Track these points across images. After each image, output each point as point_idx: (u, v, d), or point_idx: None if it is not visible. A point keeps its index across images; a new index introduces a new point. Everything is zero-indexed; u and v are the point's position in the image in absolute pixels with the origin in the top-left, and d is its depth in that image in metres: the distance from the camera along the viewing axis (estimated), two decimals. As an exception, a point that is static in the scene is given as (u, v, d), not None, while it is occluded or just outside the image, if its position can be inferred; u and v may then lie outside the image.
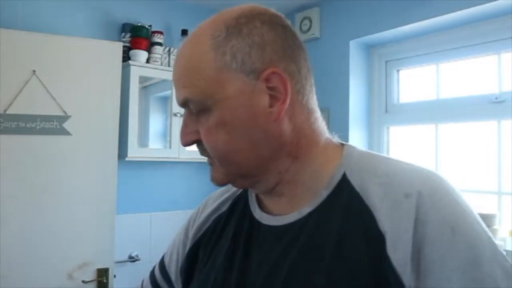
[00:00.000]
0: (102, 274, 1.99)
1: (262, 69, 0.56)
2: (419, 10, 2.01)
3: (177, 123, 2.35)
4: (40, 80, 1.90)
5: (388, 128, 2.38)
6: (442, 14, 1.93)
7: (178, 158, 2.36)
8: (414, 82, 2.31)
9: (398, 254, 0.50)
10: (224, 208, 0.72)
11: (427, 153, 2.17)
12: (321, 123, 0.63)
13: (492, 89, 1.95)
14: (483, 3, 1.79)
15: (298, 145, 0.60)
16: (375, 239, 0.52)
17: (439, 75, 2.18)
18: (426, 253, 0.50)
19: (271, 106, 0.57)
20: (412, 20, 2.04)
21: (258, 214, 0.65)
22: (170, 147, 2.34)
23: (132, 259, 2.36)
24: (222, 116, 0.57)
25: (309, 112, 0.61)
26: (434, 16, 1.96)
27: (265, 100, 0.57)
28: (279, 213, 0.62)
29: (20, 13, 2.08)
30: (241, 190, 0.72)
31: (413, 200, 0.52)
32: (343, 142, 0.65)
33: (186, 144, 0.61)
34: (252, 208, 0.67)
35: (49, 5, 2.16)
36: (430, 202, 0.52)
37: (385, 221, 0.52)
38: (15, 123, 1.85)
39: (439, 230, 0.51)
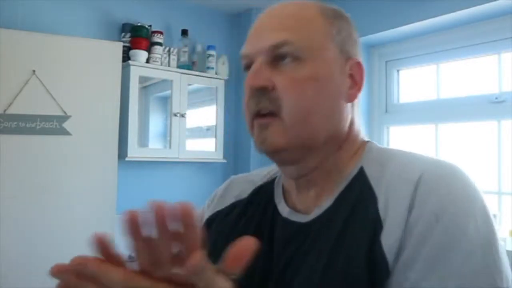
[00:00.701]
0: (102, 274, 1.99)
1: (352, 55, 0.63)
2: (419, 10, 2.01)
3: (177, 123, 2.35)
4: (40, 80, 1.90)
5: (388, 128, 2.38)
6: (442, 14, 1.93)
7: (178, 158, 2.36)
8: (414, 82, 2.32)
9: (389, 240, 0.50)
10: (244, 195, 0.72)
11: (427, 153, 2.17)
12: (360, 118, 0.66)
13: (492, 89, 1.95)
14: (483, 3, 1.79)
15: (348, 136, 0.62)
16: (374, 226, 0.52)
17: (439, 75, 2.18)
18: (408, 240, 0.50)
19: (350, 88, 0.62)
20: (412, 20, 2.04)
21: (283, 208, 0.65)
22: (170, 147, 2.34)
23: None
24: (316, 71, 0.59)
25: (358, 107, 0.65)
26: (434, 16, 1.96)
27: (347, 80, 0.62)
28: (304, 208, 0.62)
29: (20, 13, 2.08)
30: (265, 180, 0.71)
31: (411, 186, 0.52)
32: (368, 139, 0.66)
33: (254, 85, 0.58)
34: (277, 201, 0.66)
35: (49, 5, 2.16)
36: (427, 188, 0.51)
37: (386, 209, 0.52)
38: (15, 123, 1.85)
39: (424, 217, 0.50)
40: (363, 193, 0.57)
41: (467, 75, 2.09)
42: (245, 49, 0.63)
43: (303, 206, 0.62)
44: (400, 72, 2.37)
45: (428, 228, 0.49)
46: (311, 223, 0.59)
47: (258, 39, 0.61)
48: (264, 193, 0.69)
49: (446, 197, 0.51)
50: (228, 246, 0.50)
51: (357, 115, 0.65)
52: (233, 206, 0.71)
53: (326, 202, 0.60)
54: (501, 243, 0.51)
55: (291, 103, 0.57)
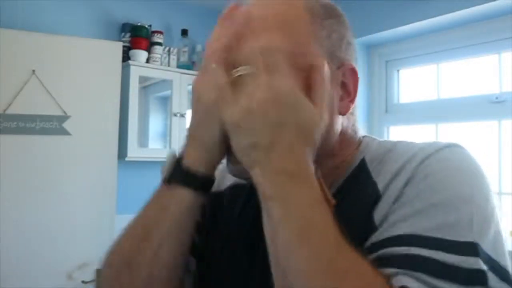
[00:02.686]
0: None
1: (345, 60, 0.56)
2: (419, 10, 2.01)
3: (177, 123, 2.35)
4: (39, 80, 1.90)
5: (388, 128, 2.38)
6: (442, 14, 1.93)
7: (178, 158, 2.36)
8: (414, 82, 2.32)
9: (381, 212, 0.50)
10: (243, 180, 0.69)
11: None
12: (357, 123, 0.62)
13: (492, 89, 1.95)
14: (483, 3, 1.79)
15: (340, 145, 0.58)
16: (372, 206, 0.51)
17: (439, 75, 2.18)
18: (397, 202, 0.49)
19: (341, 99, 0.56)
20: (412, 20, 2.04)
21: None
22: (170, 147, 2.34)
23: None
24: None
25: (353, 114, 0.60)
26: (434, 16, 1.96)
27: (338, 90, 0.56)
28: None
29: (20, 13, 2.08)
30: None
31: (414, 164, 0.51)
32: (365, 135, 0.63)
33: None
34: None
35: (49, 5, 2.16)
36: (427, 165, 0.50)
37: (386, 189, 0.51)
38: (15, 123, 1.85)
39: (414, 179, 0.49)
40: (363, 182, 0.55)
41: (467, 75, 2.09)
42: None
43: None
44: (400, 72, 2.37)
45: (415, 185, 0.49)
46: None
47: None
48: None
49: (438, 165, 0.50)
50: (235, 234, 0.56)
51: (352, 122, 0.60)
52: (233, 188, 0.69)
53: None
54: (499, 216, 0.50)
55: None
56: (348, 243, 0.44)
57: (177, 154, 0.58)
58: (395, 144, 0.58)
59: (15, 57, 1.87)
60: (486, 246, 0.45)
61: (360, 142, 0.61)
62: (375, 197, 0.52)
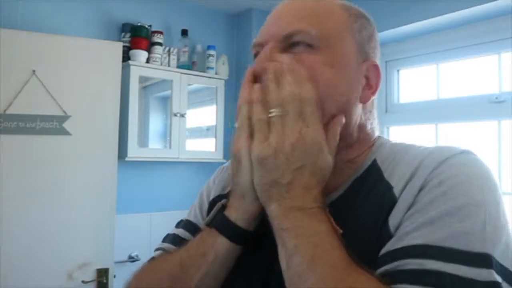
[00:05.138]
0: (102, 274, 1.99)
1: (370, 57, 0.62)
2: (419, 10, 2.01)
3: (177, 123, 2.35)
4: (40, 80, 1.90)
5: (388, 128, 2.38)
6: (442, 14, 1.93)
7: (178, 158, 2.36)
8: (414, 82, 2.31)
9: (397, 218, 0.51)
10: None
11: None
12: (376, 122, 0.66)
13: (492, 89, 1.95)
14: (483, 3, 1.79)
15: (358, 138, 0.62)
16: (386, 211, 0.52)
17: (439, 75, 2.18)
18: (412, 208, 0.50)
19: (363, 90, 0.61)
20: (412, 20, 2.04)
21: None
22: (170, 147, 2.34)
23: (132, 259, 2.36)
24: (331, 58, 0.57)
25: (373, 111, 0.65)
26: (434, 16, 1.96)
27: (362, 80, 0.61)
28: None
29: (20, 13, 2.08)
30: None
31: (428, 169, 0.52)
32: (380, 135, 0.66)
33: (257, 70, 0.57)
34: None
35: (49, 5, 2.16)
36: (441, 170, 0.51)
37: (401, 193, 0.52)
38: (15, 123, 1.85)
39: (428, 185, 0.51)
40: (376, 184, 0.56)
41: (467, 75, 2.08)
42: (257, 38, 0.62)
43: None
44: (400, 72, 2.37)
45: (429, 191, 0.50)
46: None
47: (271, 28, 0.60)
48: None
49: (457, 176, 0.51)
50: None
51: (370, 119, 0.64)
52: None
53: (335, 193, 0.60)
54: (509, 222, 0.50)
55: None
56: (356, 264, 0.47)
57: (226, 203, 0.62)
58: (408, 147, 0.60)
59: (15, 57, 1.86)
60: (498, 255, 0.46)
61: (374, 141, 0.63)
62: (391, 203, 0.53)
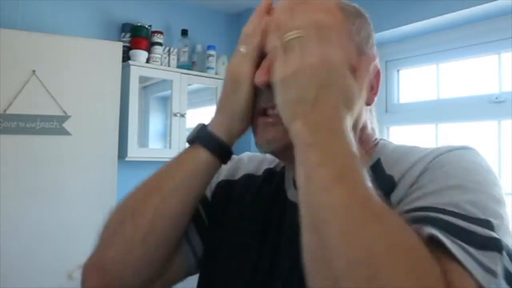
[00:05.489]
0: (102, 274, 1.99)
1: (368, 56, 0.60)
2: (419, 10, 2.01)
3: (177, 123, 2.35)
4: (40, 80, 1.90)
5: (388, 128, 2.38)
6: (442, 14, 1.93)
7: (178, 158, 2.36)
8: (414, 82, 2.31)
9: (397, 196, 0.51)
10: (259, 173, 0.71)
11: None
12: (375, 122, 0.66)
13: (492, 89, 1.95)
14: (483, 3, 1.79)
15: (362, 138, 0.61)
16: (386, 194, 0.52)
17: (439, 75, 2.18)
18: (413, 186, 0.51)
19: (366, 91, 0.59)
20: (412, 20, 2.04)
21: (292, 195, 0.64)
22: (170, 147, 2.34)
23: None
24: None
25: (372, 111, 0.65)
26: (434, 16, 1.96)
27: (367, 83, 0.59)
28: None
29: (20, 13, 2.08)
30: (274, 164, 0.71)
31: (427, 160, 0.53)
32: (382, 138, 0.66)
33: (261, 82, 0.56)
34: (286, 186, 0.66)
35: (49, 5, 2.16)
36: (441, 158, 0.52)
37: (401, 182, 0.53)
38: (15, 123, 1.85)
39: (429, 168, 0.51)
40: (379, 180, 0.56)
41: (467, 75, 2.08)
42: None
43: None
44: (400, 72, 2.37)
45: (430, 173, 0.51)
46: None
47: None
48: (277, 176, 0.69)
49: (458, 161, 0.52)
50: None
51: (371, 119, 0.64)
52: (247, 177, 0.71)
53: None
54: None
55: None
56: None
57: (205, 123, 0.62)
58: (411, 148, 0.60)
59: (15, 57, 1.87)
60: (499, 230, 0.46)
61: (376, 142, 0.64)
62: (391, 186, 0.53)
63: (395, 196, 0.52)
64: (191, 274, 0.68)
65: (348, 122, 0.48)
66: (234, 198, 0.70)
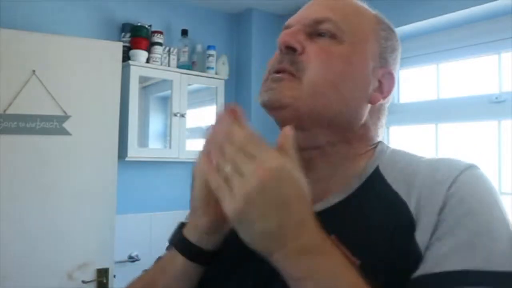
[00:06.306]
0: (102, 274, 1.99)
1: (389, 64, 0.64)
2: (419, 10, 2.01)
3: (177, 123, 2.35)
4: (40, 80, 1.90)
5: (388, 128, 2.38)
6: (442, 14, 1.93)
7: (178, 158, 2.36)
8: (414, 82, 2.31)
9: (424, 236, 0.51)
10: None
11: (427, 153, 2.17)
12: (382, 130, 0.67)
13: (492, 89, 1.95)
14: (483, 3, 1.79)
15: (360, 137, 0.62)
16: (405, 226, 0.52)
17: (439, 75, 2.18)
18: (438, 229, 0.51)
19: (374, 91, 0.62)
20: (412, 20, 2.04)
21: None
22: (170, 147, 2.34)
23: (132, 259, 2.36)
24: (351, 55, 0.59)
25: (381, 118, 0.66)
26: (434, 16, 1.96)
27: (375, 82, 0.62)
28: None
29: (20, 13, 2.08)
30: None
31: (444, 188, 0.52)
32: (380, 141, 0.66)
33: (285, 43, 0.58)
34: None
35: (49, 5, 2.16)
36: (458, 189, 0.52)
37: (418, 210, 0.52)
38: (15, 123, 1.85)
39: (449, 203, 0.51)
40: (383, 193, 0.56)
41: (467, 75, 2.08)
42: (289, 20, 0.64)
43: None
44: (400, 72, 2.37)
45: (452, 211, 0.51)
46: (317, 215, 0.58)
47: (303, 12, 0.63)
48: None
49: (473, 195, 0.52)
50: None
51: (377, 124, 0.65)
52: None
53: (334, 198, 0.59)
54: None
55: (316, 71, 0.57)
56: None
57: (184, 221, 0.61)
58: (408, 155, 0.62)
59: (15, 57, 1.87)
60: None
61: (375, 145, 0.64)
62: (399, 204, 0.53)
63: (421, 235, 0.51)
64: None
65: (316, 226, 0.47)
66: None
